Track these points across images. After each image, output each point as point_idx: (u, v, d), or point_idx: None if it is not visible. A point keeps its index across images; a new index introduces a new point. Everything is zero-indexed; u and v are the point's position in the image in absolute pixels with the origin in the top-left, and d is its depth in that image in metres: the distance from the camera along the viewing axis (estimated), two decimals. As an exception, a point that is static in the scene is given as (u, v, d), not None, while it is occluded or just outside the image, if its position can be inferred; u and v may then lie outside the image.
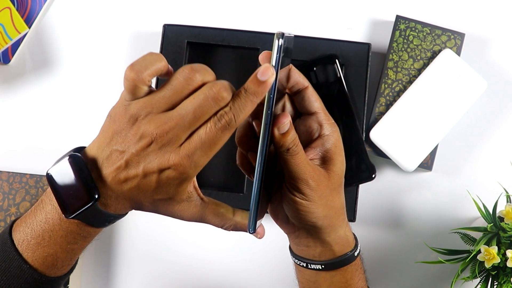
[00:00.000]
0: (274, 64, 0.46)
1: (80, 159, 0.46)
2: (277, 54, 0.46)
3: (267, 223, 0.79)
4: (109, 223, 0.50)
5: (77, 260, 0.56)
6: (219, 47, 0.81)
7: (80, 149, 0.49)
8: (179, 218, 0.50)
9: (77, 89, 0.83)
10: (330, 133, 0.52)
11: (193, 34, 0.79)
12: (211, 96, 0.43)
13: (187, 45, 0.79)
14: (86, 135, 0.82)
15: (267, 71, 0.44)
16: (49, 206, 0.49)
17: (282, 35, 0.46)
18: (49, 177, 0.47)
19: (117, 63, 0.83)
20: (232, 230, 0.52)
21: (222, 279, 0.80)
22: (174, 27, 0.79)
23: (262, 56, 0.49)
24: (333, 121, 0.53)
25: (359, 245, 0.57)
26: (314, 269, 0.55)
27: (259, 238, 0.52)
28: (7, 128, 0.83)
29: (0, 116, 0.83)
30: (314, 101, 0.52)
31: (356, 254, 0.56)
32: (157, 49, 0.80)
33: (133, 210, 0.50)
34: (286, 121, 0.48)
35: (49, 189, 0.49)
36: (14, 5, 0.81)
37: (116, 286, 0.80)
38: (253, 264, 0.80)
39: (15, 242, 0.50)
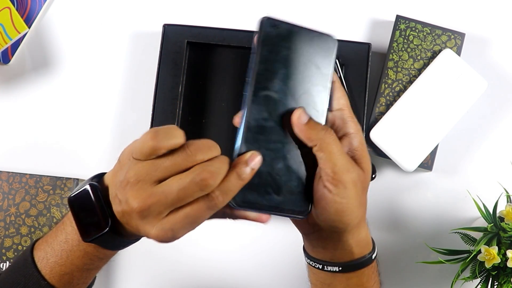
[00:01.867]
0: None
1: (98, 189, 0.49)
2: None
3: (271, 224, 0.79)
4: (124, 247, 0.52)
5: (94, 279, 0.59)
6: (219, 47, 0.81)
7: (100, 176, 0.51)
8: None
9: (77, 89, 0.83)
10: (355, 131, 0.51)
11: (193, 34, 0.79)
12: (197, 181, 0.43)
13: (187, 45, 0.79)
14: (86, 135, 0.82)
15: (254, 158, 0.45)
16: (70, 228, 0.52)
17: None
18: (70, 202, 0.49)
19: (117, 63, 0.83)
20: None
21: (222, 278, 0.80)
22: (174, 27, 0.79)
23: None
24: (356, 119, 0.52)
25: (376, 247, 0.56)
26: (330, 271, 0.54)
27: (265, 222, 0.50)
28: (7, 128, 0.83)
29: (0, 116, 0.83)
30: (340, 97, 0.51)
31: (373, 256, 0.55)
32: (157, 49, 0.80)
33: None
34: (302, 113, 0.48)
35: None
36: (14, 5, 0.81)
37: (116, 285, 0.80)
38: (255, 264, 0.80)
39: (35, 259, 0.54)
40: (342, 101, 0.52)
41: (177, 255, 0.80)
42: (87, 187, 0.49)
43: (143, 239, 0.50)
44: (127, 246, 0.52)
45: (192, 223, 0.45)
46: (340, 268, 0.53)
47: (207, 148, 0.45)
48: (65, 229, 0.53)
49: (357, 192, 0.50)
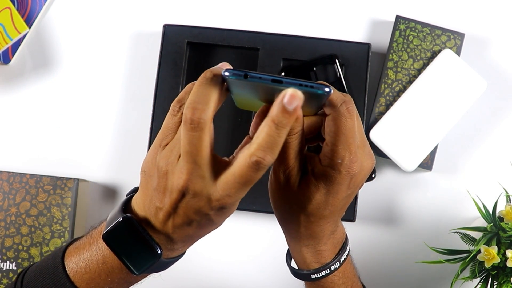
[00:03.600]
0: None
1: (133, 221, 0.46)
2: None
3: (268, 224, 0.79)
4: (171, 264, 0.50)
5: None
6: (219, 47, 0.81)
7: (126, 207, 0.49)
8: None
9: (77, 89, 0.83)
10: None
11: (193, 34, 0.79)
12: (186, 121, 0.41)
13: (187, 45, 0.79)
14: (87, 135, 0.82)
15: (294, 98, 0.39)
16: (107, 251, 0.49)
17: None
18: (107, 241, 0.47)
19: (117, 63, 0.83)
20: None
21: (221, 282, 0.80)
22: (174, 27, 0.80)
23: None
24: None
25: (342, 257, 0.55)
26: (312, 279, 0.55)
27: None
28: (7, 128, 0.83)
29: (0, 116, 0.83)
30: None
31: (319, 275, 0.54)
32: (157, 49, 0.80)
33: None
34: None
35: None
36: (14, 5, 0.81)
37: None
38: (263, 275, 0.80)
39: (67, 269, 0.50)
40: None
41: (185, 266, 0.80)
42: (120, 220, 0.46)
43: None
44: (173, 264, 0.50)
45: (245, 184, 0.42)
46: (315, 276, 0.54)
47: (189, 89, 0.44)
48: (102, 250, 0.49)
49: (356, 183, 0.49)
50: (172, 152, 0.44)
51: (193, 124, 0.41)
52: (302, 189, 0.49)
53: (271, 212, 0.77)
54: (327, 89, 0.41)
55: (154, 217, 0.46)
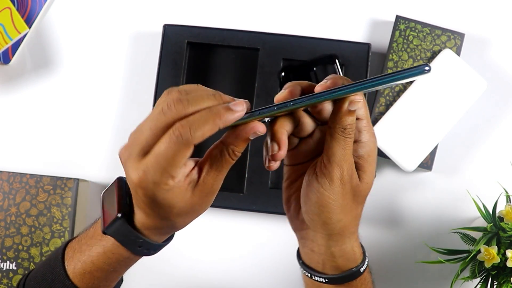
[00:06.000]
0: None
1: (123, 182, 0.50)
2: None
3: (268, 224, 0.79)
4: (141, 248, 0.50)
5: (118, 283, 0.57)
6: (219, 47, 0.81)
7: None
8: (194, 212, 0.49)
9: (77, 89, 0.83)
10: (368, 141, 0.49)
11: (193, 34, 0.79)
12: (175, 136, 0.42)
13: (187, 45, 0.79)
14: (87, 135, 0.82)
15: (240, 105, 0.43)
16: (98, 224, 0.52)
17: None
18: (102, 197, 0.51)
19: (117, 63, 0.83)
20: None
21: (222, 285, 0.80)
22: (174, 27, 0.80)
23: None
24: (374, 131, 0.51)
25: (366, 260, 0.55)
26: (317, 281, 0.54)
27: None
28: (7, 128, 0.83)
29: (0, 116, 0.83)
30: (360, 107, 0.49)
31: (362, 270, 0.53)
32: (157, 49, 0.80)
33: None
34: (359, 99, 0.46)
35: None
36: (14, 5, 0.81)
37: None
38: (256, 272, 0.80)
39: (65, 256, 0.53)
40: (361, 112, 0.49)
41: (176, 263, 0.80)
42: (116, 180, 0.50)
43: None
44: (145, 249, 0.50)
45: (165, 163, 0.42)
46: (326, 280, 0.53)
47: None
48: (94, 226, 0.53)
49: (344, 194, 0.48)
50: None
51: (182, 139, 0.42)
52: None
53: (271, 212, 0.77)
54: (426, 68, 0.42)
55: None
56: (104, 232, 0.49)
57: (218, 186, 0.47)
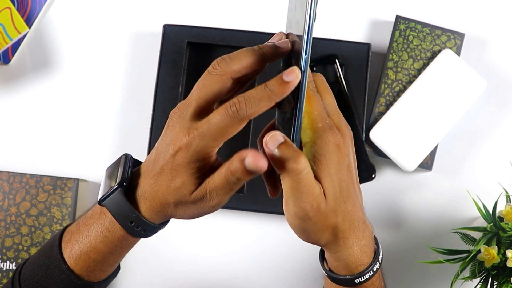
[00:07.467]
0: (302, 67, 0.45)
1: (128, 158, 0.51)
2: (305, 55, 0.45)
3: (268, 224, 0.79)
4: (132, 224, 0.49)
5: (115, 272, 0.56)
6: (219, 47, 0.81)
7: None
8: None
9: (77, 89, 0.83)
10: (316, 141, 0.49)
11: (193, 34, 0.79)
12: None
13: (187, 45, 0.79)
14: (87, 135, 0.82)
15: (292, 73, 0.44)
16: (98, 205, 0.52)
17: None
18: (105, 172, 0.52)
19: (117, 63, 0.83)
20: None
21: (222, 279, 0.80)
22: (174, 27, 0.80)
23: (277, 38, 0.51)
24: (329, 128, 0.51)
25: (368, 273, 0.52)
26: (326, 275, 0.54)
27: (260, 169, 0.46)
28: (7, 128, 0.83)
29: (0, 116, 0.83)
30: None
31: (357, 281, 0.52)
32: (157, 49, 0.80)
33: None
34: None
35: None
36: (14, 5, 0.81)
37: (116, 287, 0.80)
38: (254, 265, 0.80)
39: (62, 241, 0.53)
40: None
41: (177, 263, 0.80)
42: (123, 155, 0.51)
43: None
44: (140, 230, 0.50)
45: (217, 134, 0.44)
46: (328, 276, 0.54)
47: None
48: (93, 207, 0.52)
49: (315, 223, 0.48)
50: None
51: (238, 114, 0.44)
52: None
53: (271, 212, 0.77)
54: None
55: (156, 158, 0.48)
56: (100, 203, 0.49)
57: (215, 198, 0.48)
